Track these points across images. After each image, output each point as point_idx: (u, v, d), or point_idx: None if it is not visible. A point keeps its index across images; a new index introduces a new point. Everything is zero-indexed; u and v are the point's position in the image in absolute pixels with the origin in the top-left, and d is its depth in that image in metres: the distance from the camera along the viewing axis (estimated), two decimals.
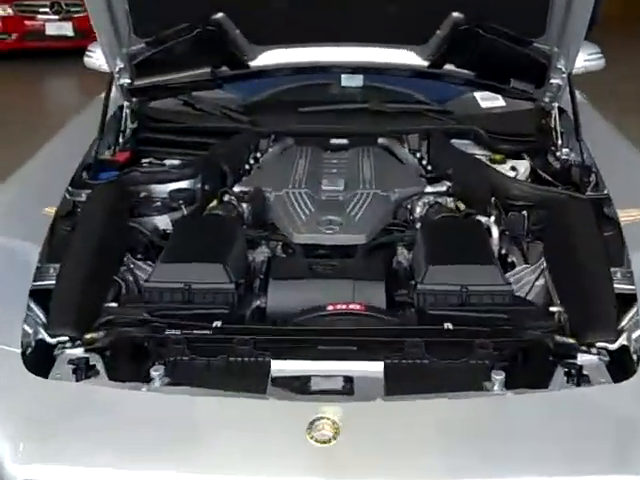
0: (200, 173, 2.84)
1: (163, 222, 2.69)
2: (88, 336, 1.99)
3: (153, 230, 2.63)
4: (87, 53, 3.79)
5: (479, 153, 3.13)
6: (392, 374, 1.90)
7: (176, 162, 3.02)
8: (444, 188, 2.83)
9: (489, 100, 3.48)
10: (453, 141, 3.14)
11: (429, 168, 3.11)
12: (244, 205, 2.72)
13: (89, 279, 2.20)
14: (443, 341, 1.96)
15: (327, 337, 1.96)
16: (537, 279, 2.41)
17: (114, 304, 2.21)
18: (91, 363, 1.89)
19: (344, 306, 2.09)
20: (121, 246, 2.49)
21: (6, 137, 6.62)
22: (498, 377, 1.83)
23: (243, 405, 1.78)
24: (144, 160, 3.05)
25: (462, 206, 2.78)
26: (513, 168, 3.00)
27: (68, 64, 7.53)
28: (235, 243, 2.36)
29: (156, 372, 1.86)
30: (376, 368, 1.92)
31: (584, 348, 1.96)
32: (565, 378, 1.86)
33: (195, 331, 1.97)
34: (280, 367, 1.92)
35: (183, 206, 2.70)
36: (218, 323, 2.02)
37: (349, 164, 3.00)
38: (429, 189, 2.82)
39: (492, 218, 2.59)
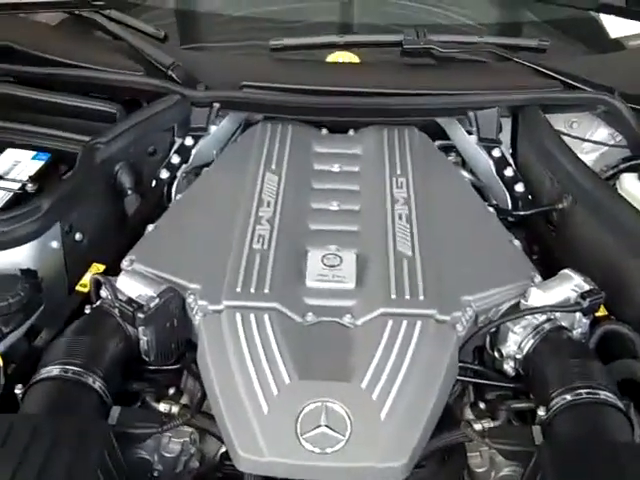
0: (60, 217, 1.42)
1: None
2: None
3: None
4: None
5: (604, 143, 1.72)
6: None
7: (27, 158, 1.55)
8: (571, 293, 1.28)
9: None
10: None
11: (518, 188, 1.65)
12: (140, 330, 1.24)
13: None
14: None
15: None
16: None
17: None
18: None
19: None
20: None
21: None
22: None
23: None
24: None
25: (603, 312, 1.33)
26: None
27: None
28: None
29: None
30: None
31: None
32: None
33: None
34: None
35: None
36: None
37: (364, 179, 1.55)
38: (537, 296, 1.27)
39: None
